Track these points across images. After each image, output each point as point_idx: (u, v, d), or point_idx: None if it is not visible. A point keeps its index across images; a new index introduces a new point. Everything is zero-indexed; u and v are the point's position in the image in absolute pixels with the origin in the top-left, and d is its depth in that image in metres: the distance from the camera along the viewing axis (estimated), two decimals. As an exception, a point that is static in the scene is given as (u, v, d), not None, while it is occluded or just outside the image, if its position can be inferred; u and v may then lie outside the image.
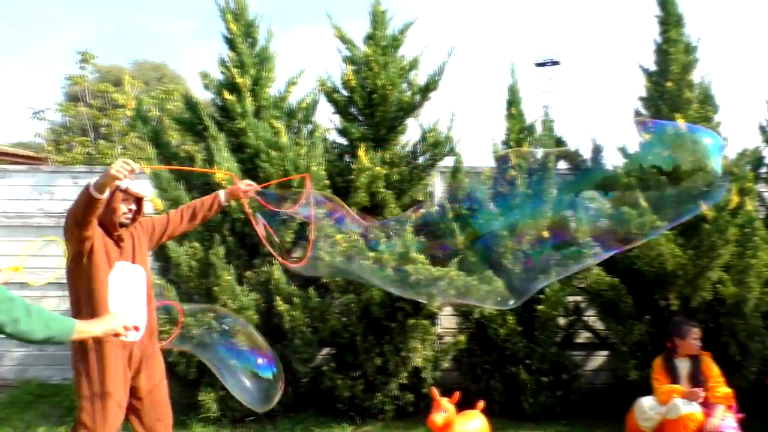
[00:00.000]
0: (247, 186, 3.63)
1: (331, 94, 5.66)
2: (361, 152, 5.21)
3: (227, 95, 5.29)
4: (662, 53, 5.62)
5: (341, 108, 5.67)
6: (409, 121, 5.74)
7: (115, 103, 11.10)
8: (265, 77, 5.52)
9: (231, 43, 5.52)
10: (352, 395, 5.11)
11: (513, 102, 5.65)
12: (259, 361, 3.80)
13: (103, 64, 14.10)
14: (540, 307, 5.11)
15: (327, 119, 5.90)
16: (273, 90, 5.66)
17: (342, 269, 3.93)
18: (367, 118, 5.59)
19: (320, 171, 5.15)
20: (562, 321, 5.49)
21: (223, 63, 5.50)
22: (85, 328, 2.50)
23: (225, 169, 4.90)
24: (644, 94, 5.75)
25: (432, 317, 5.31)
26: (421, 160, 5.70)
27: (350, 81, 5.50)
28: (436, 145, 5.62)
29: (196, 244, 5.05)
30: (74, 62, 12.56)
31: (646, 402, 4.38)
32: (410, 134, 5.81)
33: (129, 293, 3.19)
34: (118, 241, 3.19)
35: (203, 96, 5.79)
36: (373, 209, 5.44)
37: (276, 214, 3.86)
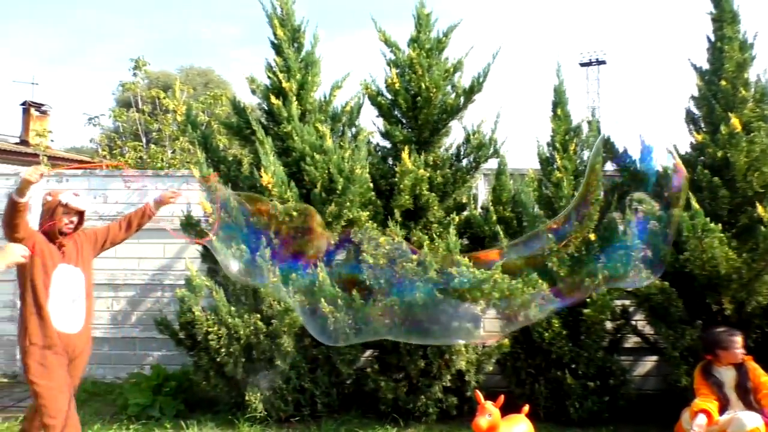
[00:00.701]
0: (173, 193, 4.14)
1: (375, 98, 5.70)
2: (404, 155, 5.22)
3: (274, 99, 5.38)
4: (716, 51, 5.47)
5: (385, 111, 5.70)
6: (453, 124, 5.73)
7: (165, 109, 11.42)
8: (311, 81, 5.59)
9: (277, 48, 5.61)
10: (395, 397, 5.13)
11: (559, 103, 5.58)
12: None
13: (152, 71, 14.51)
14: (586, 310, 5.03)
15: (371, 122, 5.96)
16: (318, 94, 5.73)
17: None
18: (411, 121, 5.60)
19: (364, 174, 5.19)
20: (609, 325, 5.38)
21: (269, 68, 5.60)
22: None
23: (271, 173, 4.98)
24: (696, 93, 5.60)
25: (476, 320, 5.28)
26: (464, 162, 5.69)
27: (394, 84, 5.52)
28: (479, 147, 5.59)
29: (243, 246, 5.14)
30: (127, 69, 13.01)
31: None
32: (454, 136, 5.83)
33: (69, 291, 3.71)
34: (60, 246, 3.71)
35: (250, 100, 5.91)
36: (416, 212, 5.46)
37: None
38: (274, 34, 5.60)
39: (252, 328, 5.01)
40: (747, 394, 4.15)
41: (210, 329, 4.99)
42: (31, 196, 3.53)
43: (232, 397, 5.25)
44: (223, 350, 5.00)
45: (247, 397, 5.05)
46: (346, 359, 5.11)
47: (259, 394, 5.06)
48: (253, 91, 5.68)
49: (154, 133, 11.89)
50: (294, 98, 5.42)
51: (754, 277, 4.76)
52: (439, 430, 5.06)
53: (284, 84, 5.42)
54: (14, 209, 3.48)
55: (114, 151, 11.68)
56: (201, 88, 23.47)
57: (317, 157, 5.15)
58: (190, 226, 5.50)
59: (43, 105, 19.16)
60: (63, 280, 3.69)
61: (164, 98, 11.33)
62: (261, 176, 5.02)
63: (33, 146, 14.43)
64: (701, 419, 4.00)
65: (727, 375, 4.26)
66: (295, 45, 5.69)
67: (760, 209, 4.85)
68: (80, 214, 3.83)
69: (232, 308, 5.08)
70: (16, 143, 17.63)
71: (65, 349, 3.65)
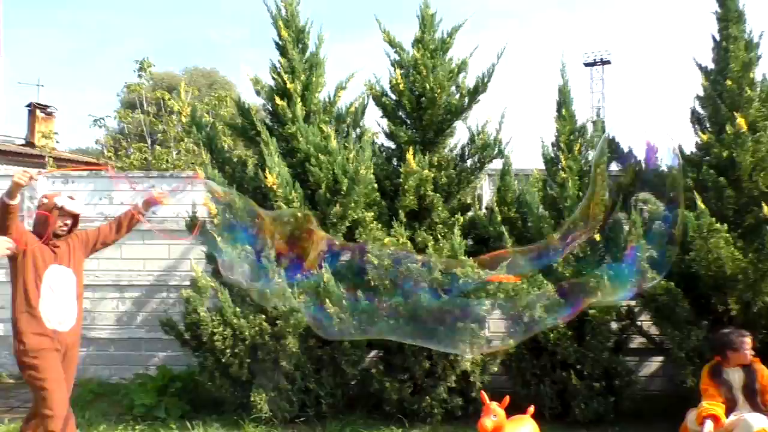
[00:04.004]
0: (160, 194, 4.15)
1: (379, 98, 5.70)
2: (409, 155, 5.23)
3: (278, 100, 5.39)
4: (721, 50, 5.45)
5: (389, 112, 5.70)
6: (457, 124, 5.73)
7: (170, 110, 11.44)
8: (315, 82, 5.60)
9: (282, 49, 5.62)
10: (400, 398, 5.13)
11: (563, 103, 5.57)
12: None
13: (156, 72, 14.50)
14: (592, 311, 5.02)
15: (375, 123, 5.96)
16: (322, 95, 5.74)
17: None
18: (415, 122, 5.60)
19: (369, 174, 5.19)
20: (614, 326, 5.37)
21: (274, 69, 5.61)
22: None
23: (276, 174, 5.00)
24: (702, 92, 5.58)
25: (481, 321, 5.27)
26: (469, 162, 5.68)
27: (399, 85, 5.53)
28: (484, 148, 5.59)
29: (248, 247, 5.15)
30: (132, 71, 12.97)
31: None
32: (458, 137, 5.83)
33: (60, 291, 3.79)
34: (53, 247, 3.80)
35: (255, 101, 5.93)
36: (421, 213, 5.45)
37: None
38: (279, 35, 5.61)
39: (257, 328, 5.02)
40: (755, 396, 4.14)
41: (215, 330, 5.00)
42: (20, 198, 3.63)
43: (237, 398, 5.26)
44: (228, 351, 5.01)
45: (252, 398, 5.05)
46: (350, 360, 5.12)
47: (264, 395, 5.07)
48: (258, 92, 5.69)
49: (159, 134, 11.91)
50: (298, 99, 5.42)
51: (760, 277, 4.75)
52: (444, 430, 5.06)
53: (289, 85, 5.43)
54: (5, 211, 3.55)
55: (119, 152, 11.70)
56: (205, 89, 23.48)
57: (322, 158, 5.16)
58: (195, 227, 5.51)
59: (48, 107, 19.21)
60: (54, 280, 3.77)
61: (169, 99, 11.35)
62: (266, 177, 5.03)
63: (38, 148, 14.48)
64: (708, 425, 3.99)
65: (735, 376, 4.24)
66: (300, 46, 5.70)
67: (766, 209, 4.83)
68: (74, 217, 3.91)
69: (237, 309, 5.08)
70: (22, 144, 17.69)
71: (57, 346, 3.75)
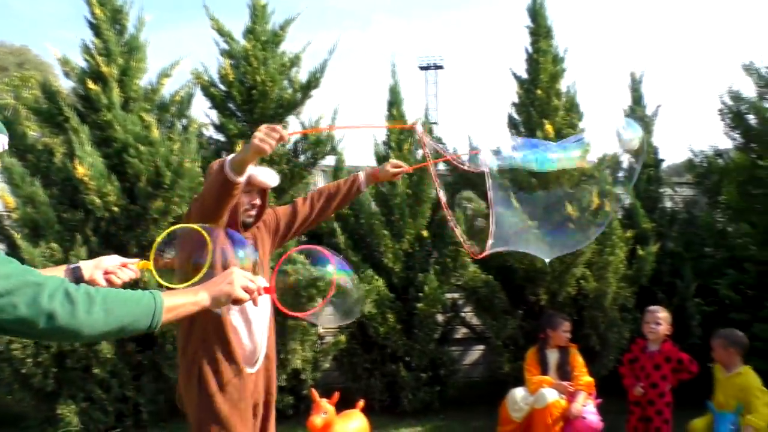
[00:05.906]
0: (394, 168, 2.88)
1: (207, 89, 5.44)
2: (239, 149, 5.03)
3: (91, 85, 4.91)
4: (533, 62, 5.90)
5: (219, 103, 5.46)
6: (290, 119, 5.63)
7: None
8: (135, 67, 5.17)
9: (96, 28, 5.11)
10: (228, 401, 4.93)
11: (394, 103, 5.71)
12: None
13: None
14: (419, 305, 5.21)
15: (203, 114, 5.68)
16: (144, 81, 5.32)
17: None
18: (246, 114, 5.42)
19: (195, 168, 4.92)
20: (440, 318, 5.63)
21: (87, 49, 5.08)
22: (180, 301, 1.55)
23: (88, 164, 4.55)
24: (516, 100, 6.02)
25: (312, 318, 5.24)
26: (302, 158, 5.61)
27: (228, 75, 5.31)
28: (317, 144, 5.56)
29: (54, 245, 4.63)
30: None
31: (518, 393, 4.57)
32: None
33: (251, 313, 2.50)
34: None
35: (67, 84, 5.33)
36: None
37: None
38: (92, 13, 5.10)
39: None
40: (567, 376, 4.56)
41: (13, 338, 4.43)
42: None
43: (41, 411, 4.73)
44: (29, 360, 4.47)
45: (59, 411, 4.56)
46: (174, 364, 4.81)
47: (74, 407, 4.61)
48: (67, 74, 5.14)
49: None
50: (115, 84, 4.98)
51: (564, 270, 5.24)
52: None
53: (103, 68, 4.95)
54: (226, 192, 2.26)
55: None
56: (14, 68, 21.03)
57: (142, 148, 4.79)
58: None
59: None
60: None
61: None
62: (75, 168, 4.56)
63: None
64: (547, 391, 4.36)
65: (553, 357, 4.65)
66: (117, 27, 5.23)
67: (569, 208, 5.34)
68: (263, 194, 2.62)
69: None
70: None
71: (248, 396, 2.56)
